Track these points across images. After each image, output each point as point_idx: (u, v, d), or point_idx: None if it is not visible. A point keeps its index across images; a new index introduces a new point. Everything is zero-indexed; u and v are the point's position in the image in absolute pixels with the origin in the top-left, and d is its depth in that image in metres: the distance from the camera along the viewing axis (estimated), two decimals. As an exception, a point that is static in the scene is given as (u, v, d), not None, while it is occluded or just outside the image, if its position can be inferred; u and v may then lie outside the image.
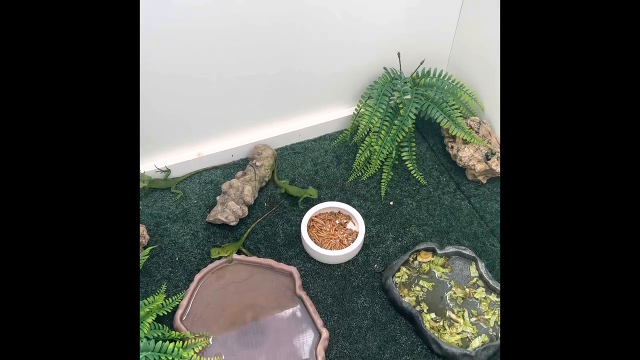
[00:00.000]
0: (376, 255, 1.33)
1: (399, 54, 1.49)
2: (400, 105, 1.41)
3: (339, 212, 1.40)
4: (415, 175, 1.48)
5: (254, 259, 1.28)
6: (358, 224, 1.34)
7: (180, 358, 0.99)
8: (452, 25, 1.56)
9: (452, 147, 1.51)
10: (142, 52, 1.19)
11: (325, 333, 1.14)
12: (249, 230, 1.36)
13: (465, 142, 1.46)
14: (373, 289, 1.27)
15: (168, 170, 1.45)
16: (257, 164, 1.46)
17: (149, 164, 1.44)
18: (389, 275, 1.24)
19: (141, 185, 1.41)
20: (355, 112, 1.52)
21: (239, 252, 1.30)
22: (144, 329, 1.00)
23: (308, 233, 1.32)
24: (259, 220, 1.39)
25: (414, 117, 1.39)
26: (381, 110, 1.41)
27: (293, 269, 1.25)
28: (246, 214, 1.39)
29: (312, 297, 1.24)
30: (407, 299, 1.22)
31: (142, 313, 1.03)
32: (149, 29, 1.16)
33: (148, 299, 1.08)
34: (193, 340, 1.11)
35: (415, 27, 1.50)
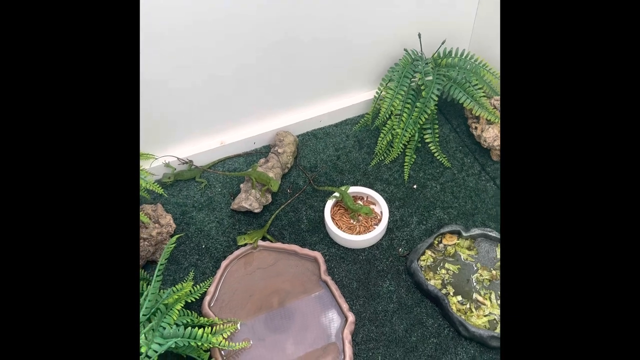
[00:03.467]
0: (400, 239, 1.33)
1: (419, 35, 1.47)
2: (422, 87, 1.39)
3: (362, 196, 1.39)
4: (438, 157, 1.47)
5: (279, 245, 1.29)
6: (382, 208, 1.34)
7: (210, 343, 1.01)
8: (473, 3, 1.52)
9: (476, 127, 1.48)
10: (163, 44, 1.20)
11: (351, 317, 1.15)
12: (273, 216, 1.37)
13: (489, 122, 1.44)
14: (398, 272, 1.26)
15: (190, 162, 1.47)
16: (279, 150, 1.46)
17: (173, 154, 1.46)
18: (414, 259, 1.23)
19: (167, 179, 1.44)
20: (376, 96, 1.50)
21: (263, 239, 1.32)
22: (173, 315, 1.02)
23: (332, 218, 1.32)
24: (282, 207, 1.40)
25: (436, 99, 1.37)
26: (402, 93, 1.39)
27: (317, 254, 1.25)
28: (270, 201, 1.40)
29: (337, 282, 1.24)
30: (433, 282, 1.21)
31: (170, 300, 1.05)
32: (158, 19, 1.17)
33: (176, 286, 1.10)
34: (221, 326, 1.13)
35: (436, 7, 1.46)
